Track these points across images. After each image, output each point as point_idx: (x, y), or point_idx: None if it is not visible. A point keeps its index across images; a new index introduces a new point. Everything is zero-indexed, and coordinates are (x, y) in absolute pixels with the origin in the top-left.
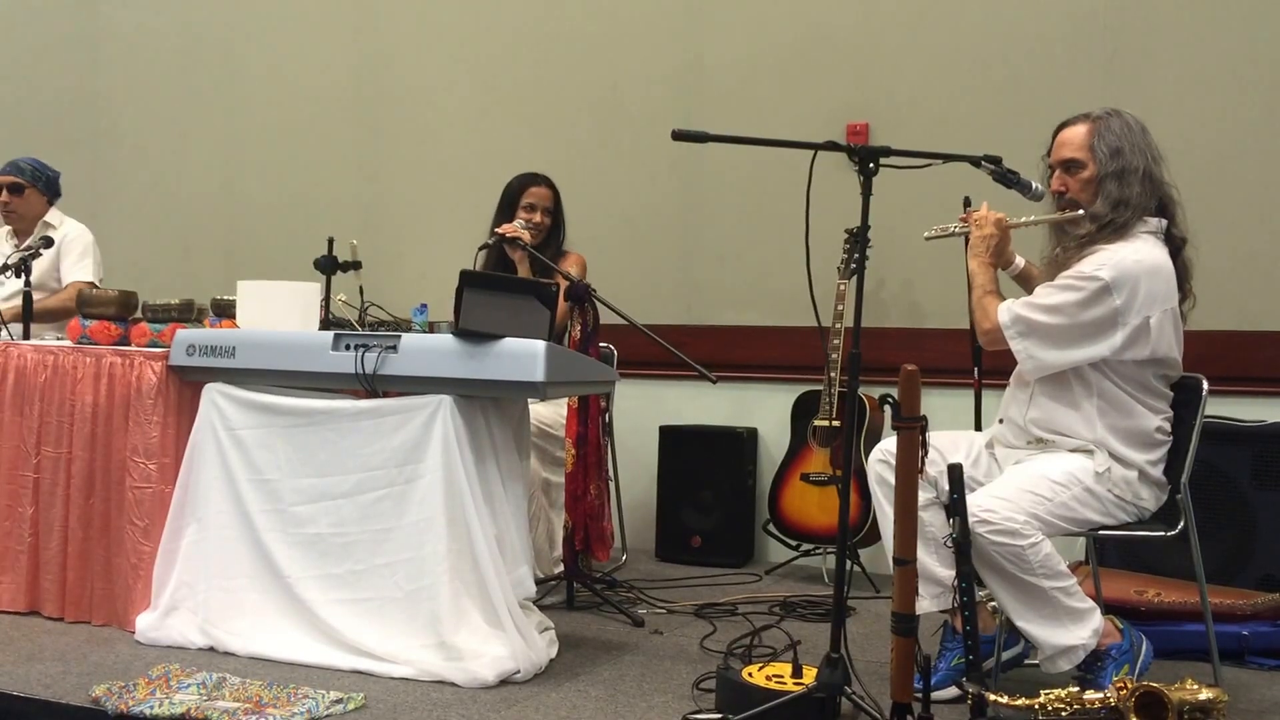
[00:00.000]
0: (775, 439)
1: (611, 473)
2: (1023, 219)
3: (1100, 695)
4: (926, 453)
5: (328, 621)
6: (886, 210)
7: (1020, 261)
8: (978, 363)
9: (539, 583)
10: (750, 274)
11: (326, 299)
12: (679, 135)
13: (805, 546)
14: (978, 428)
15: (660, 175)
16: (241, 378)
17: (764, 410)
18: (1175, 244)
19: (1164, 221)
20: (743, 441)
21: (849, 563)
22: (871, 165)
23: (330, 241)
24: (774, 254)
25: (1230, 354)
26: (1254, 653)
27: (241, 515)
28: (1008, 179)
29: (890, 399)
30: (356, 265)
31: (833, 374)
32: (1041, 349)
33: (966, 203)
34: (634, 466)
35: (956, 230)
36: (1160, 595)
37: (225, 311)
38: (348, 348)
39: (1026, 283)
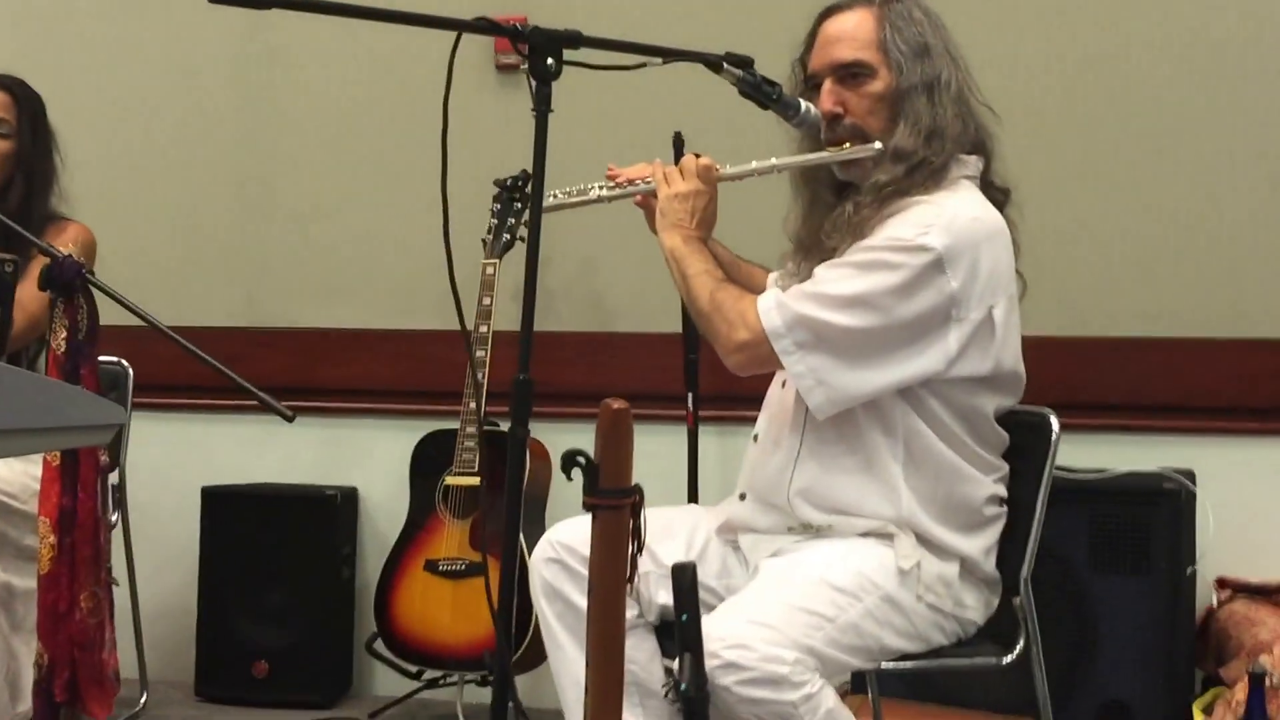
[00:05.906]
0: (387, 505)
1: (125, 568)
2: (754, 164)
3: None
4: (641, 550)
5: None
6: (558, 149)
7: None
8: (693, 387)
9: None
10: (348, 249)
11: None
12: None
13: (431, 673)
14: (692, 490)
15: (214, 91)
16: None
17: (369, 461)
18: (995, 196)
19: (981, 161)
20: (335, 510)
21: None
22: (551, 62)
23: None
24: (385, 216)
25: (1056, 370)
26: None
27: None
28: (763, 93)
29: (581, 457)
30: None
31: (474, 404)
32: (840, 368)
33: (678, 141)
34: (163, 552)
35: (605, 195)
36: None
37: None
38: None
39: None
